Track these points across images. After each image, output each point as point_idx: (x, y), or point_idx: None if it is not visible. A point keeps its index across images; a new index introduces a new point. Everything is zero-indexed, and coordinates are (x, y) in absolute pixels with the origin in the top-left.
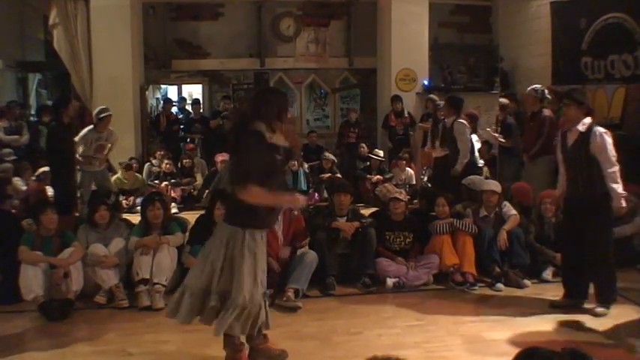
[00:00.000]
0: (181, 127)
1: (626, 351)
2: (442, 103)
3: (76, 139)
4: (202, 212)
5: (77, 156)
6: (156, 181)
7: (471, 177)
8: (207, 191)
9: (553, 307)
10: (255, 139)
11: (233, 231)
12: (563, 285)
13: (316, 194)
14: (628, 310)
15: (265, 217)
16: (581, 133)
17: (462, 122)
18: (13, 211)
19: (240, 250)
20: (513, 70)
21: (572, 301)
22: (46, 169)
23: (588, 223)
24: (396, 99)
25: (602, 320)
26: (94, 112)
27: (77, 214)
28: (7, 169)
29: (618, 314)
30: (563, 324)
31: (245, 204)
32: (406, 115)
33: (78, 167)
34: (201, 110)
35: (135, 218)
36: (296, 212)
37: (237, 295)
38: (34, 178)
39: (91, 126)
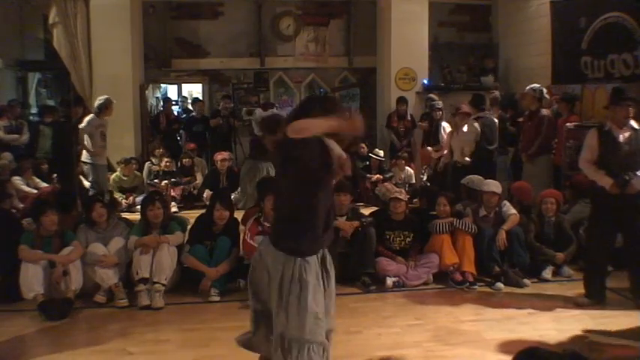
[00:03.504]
0: (183, 126)
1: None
2: (439, 103)
3: (81, 126)
4: (202, 211)
5: (90, 148)
6: (156, 180)
7: (471, 176)
8: (206, 190)
9: (577, 304)
10: None
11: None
12: (585, 286)
13: None
14: (628, 310)
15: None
16: (635, 130)
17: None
18: (14, 210)
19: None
20: (513, 69)
21: (593, 301)
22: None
23: (633, 220)
24: (401, 101)
25: (602, 320)
26: (98, 100)
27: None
28: (4, 165)
29: (618, 314)
30: (562, 323)
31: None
32: (408, 118)
33: (89, 161)
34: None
35: (135, 217)
36: None
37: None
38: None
39: (92, 115)
